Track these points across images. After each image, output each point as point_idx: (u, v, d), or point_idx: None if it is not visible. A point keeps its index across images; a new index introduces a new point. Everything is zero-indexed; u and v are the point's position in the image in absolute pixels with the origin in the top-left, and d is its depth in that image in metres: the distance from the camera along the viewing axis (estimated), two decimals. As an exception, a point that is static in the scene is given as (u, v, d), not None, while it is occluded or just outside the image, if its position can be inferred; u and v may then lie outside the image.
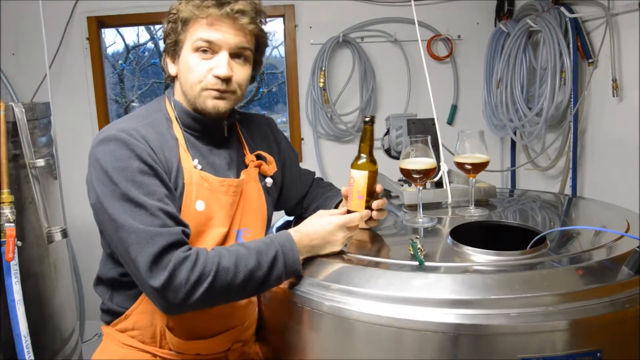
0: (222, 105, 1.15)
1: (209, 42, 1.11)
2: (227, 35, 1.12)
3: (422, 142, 1.30)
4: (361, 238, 1.33)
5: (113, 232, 1.02)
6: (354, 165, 1.18)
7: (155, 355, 1.14)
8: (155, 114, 1.18)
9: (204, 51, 1.12)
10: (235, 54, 1.14)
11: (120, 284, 1.16)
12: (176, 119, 1.18)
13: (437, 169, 1.33)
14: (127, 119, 1.15)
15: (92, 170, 1.06)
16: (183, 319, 1.13)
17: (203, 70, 1.12)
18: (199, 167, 1.15)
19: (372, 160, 1.18)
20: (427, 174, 1.31)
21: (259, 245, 1.05)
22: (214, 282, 0.98)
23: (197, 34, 1.11)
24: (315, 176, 1.54)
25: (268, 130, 1.39)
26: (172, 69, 1.19)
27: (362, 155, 1.18)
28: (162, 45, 1.25)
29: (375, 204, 1.19)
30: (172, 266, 0.96)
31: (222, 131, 1.23)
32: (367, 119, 1.17)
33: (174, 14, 1.15)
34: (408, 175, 1.32)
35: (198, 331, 1.15)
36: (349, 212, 1.21)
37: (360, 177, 1.17)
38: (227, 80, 1.12)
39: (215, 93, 1.13)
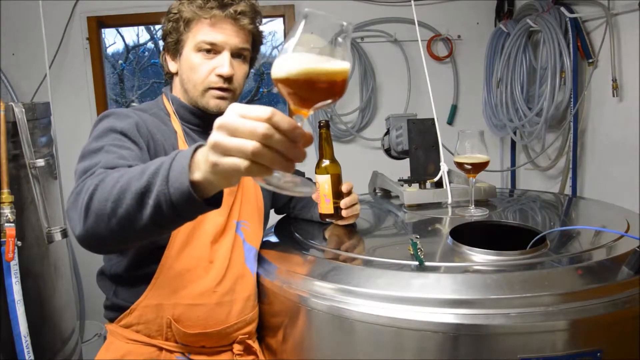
0: (224, 105, 1.19)
1: (212, 43, 1.16)
2: (229, 37, 1.16)
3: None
4: (361, 238, 1.33)
5: None
6: (317, 170, 1.27)
7: (161, 349, 1.14)
8: (154, 109, 1.22)
9: (207, 51, 1.17)
10: (235, 54, 1.19)
11: (125, 280, 1.16)
12: (174, 113, 1.22)
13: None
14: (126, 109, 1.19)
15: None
16: (188, 310, 1.14)
17: (206, 69, 1.17)
18: None
19: (333, 163, 1.25)
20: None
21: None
22: (96, 188, 0.81)
23: (200, 34, 1.16)
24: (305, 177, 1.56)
25: None
26: (172, 67, 1.24)
27: (324, 159, 1.25)
28: (161, 44, 1.26)
29: (342, 202, 1.28)
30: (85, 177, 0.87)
31: None
32: (321, 124, 1.25)
33: (175, 13, 1.19)
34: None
35: (202, 322, 1.15)
36: (321, 215, 1.33)
37: (324, 181, 1.25)
38: (229, 78, 1.17)
39: (217, 92, 1.18)
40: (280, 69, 0.65)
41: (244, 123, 0.63)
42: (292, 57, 0.64)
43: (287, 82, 0.65)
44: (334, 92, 0.67)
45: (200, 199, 0.72)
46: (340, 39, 0.66)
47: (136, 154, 1.02)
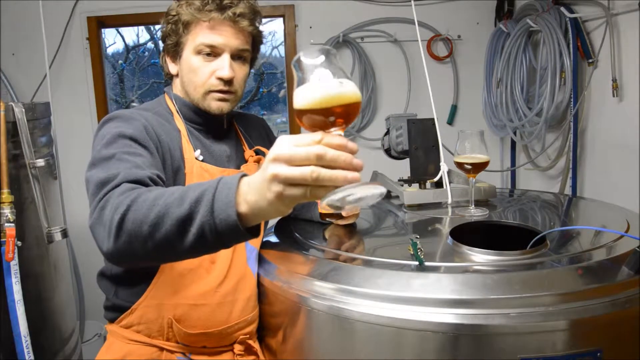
0: (225, 106, 1.20)
1: (211, 46, 1.15)
2: (229, 39, 1.16)
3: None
4: (361, 238, 1.33)
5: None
6: None
7: (162, 349, 1.14)
8: (157, 107, 1.22)
9: (207, 54, 1.16)
10: (235, 56, 1.19)
11: (125, 280, 1.16)
12: (177, 112, 1.22)
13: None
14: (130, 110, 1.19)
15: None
16: (189, 310, 1.14)
17: (206, 72, 1.16)
18: (201, 157, 1.19)
19: None
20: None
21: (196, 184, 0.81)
22: (127, 212, 0.80)
23: (200, 37, 1.15)
24: None
25: (262, 129, 1.43)
26: (172, 68, 1.24)
27: None
28: (161, 44, 1.26)
29: None
30: (107, 194, 0.86)
31: (222, 124, 1.27)
32: None
33: (174, 15, 1.18)
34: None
35: (204, 322, 1.15)
36: (321, 215, 1.32)
37: None
38: (229, 81, 1.17)
39: (219, 95, 1.18)
40: (308, 102, 0.69)
41: (298, 150, 0.67)
42: (312, 89, 0.69)
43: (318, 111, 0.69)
44: (357, 106, 0.72)
45: (245, 230, 0.74)
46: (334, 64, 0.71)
47: (149, 160, 1.02)
